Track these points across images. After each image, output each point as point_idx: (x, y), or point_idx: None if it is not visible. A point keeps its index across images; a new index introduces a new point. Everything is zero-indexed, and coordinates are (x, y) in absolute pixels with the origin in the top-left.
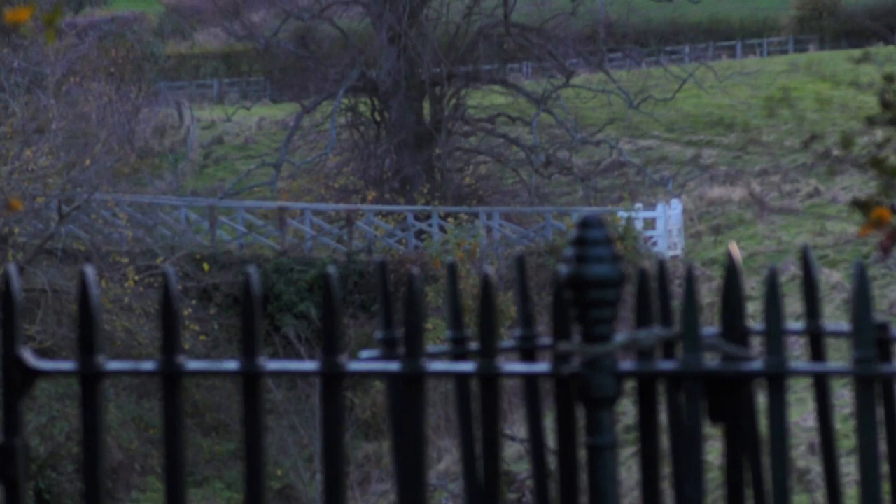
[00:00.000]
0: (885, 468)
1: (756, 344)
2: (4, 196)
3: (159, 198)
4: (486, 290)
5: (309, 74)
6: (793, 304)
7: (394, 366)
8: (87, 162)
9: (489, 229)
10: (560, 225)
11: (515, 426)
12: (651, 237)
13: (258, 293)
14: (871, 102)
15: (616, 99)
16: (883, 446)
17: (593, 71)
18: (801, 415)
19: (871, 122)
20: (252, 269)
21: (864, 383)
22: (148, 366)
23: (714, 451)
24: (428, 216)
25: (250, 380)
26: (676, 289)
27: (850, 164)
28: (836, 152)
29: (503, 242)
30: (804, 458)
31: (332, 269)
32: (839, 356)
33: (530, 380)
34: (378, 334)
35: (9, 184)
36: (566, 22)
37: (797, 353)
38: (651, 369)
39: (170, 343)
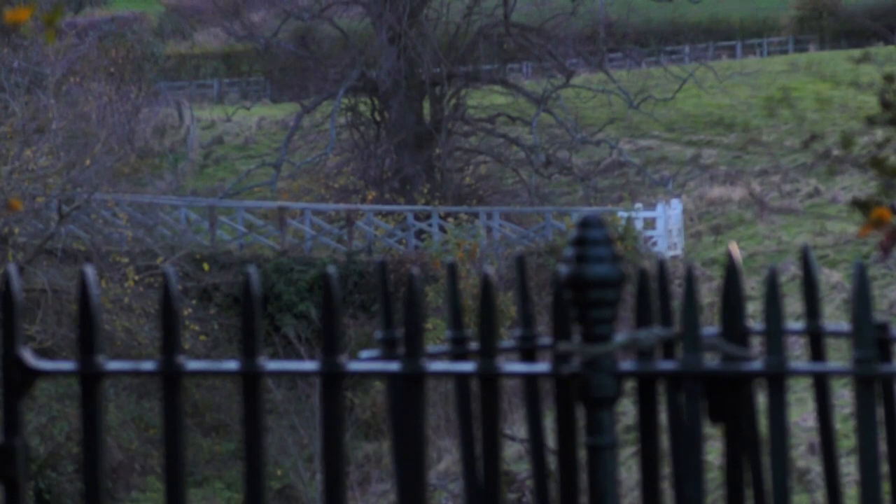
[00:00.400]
0: (885, 468)
1: (756, 344)
2: (4, 196)
3: (159, 198)
4: (486, 290)
5: (309, 74)
6: (793, 304)
7: (394, 366)
8: (87, 162)
9: (489, 229)
10: (560, 225)
11: (515, 426)
12: (651, 237)
13: (258, 293)
14: (871, 102)
15: (616, 99)
16: (883, 446)
17: (593, 71)
18: (801, 415)
19: (871, 122)
20: (252, 269)
21: (864, 383)
22: (148, 366)
23: (714, 451)
24: (428, 216)
25: (250, 380)
26: (676, 289)
27: (850, 164)
28: (836, 152)
29: (503, 242)
30: (804, 458)
31: (332, 269)
32: (839, 356)
33: (530, 380)
34: (378, 334)
35: (9, 184)
36: (566, 22)
37: (797, 353)
38: (651, 369)
39: (170, 343)
